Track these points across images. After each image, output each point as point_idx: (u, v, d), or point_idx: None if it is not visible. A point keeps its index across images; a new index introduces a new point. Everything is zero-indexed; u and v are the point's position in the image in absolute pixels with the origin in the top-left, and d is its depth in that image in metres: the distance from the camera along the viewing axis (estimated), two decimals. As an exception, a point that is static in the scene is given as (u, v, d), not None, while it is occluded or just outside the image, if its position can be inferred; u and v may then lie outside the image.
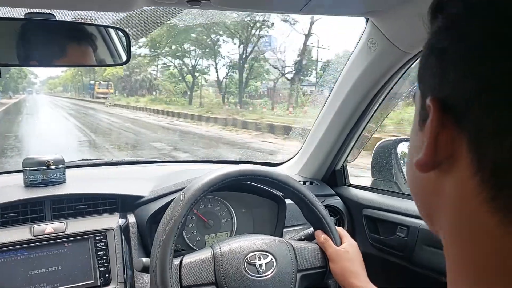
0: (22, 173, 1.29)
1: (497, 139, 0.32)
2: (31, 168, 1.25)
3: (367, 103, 1.33)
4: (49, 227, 1.16)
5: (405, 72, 1.18)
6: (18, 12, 0.88)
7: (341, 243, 1.13)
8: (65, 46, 0.95)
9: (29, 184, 1.26)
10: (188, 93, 22.59)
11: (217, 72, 21.98)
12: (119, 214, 1.28)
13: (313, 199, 1.16)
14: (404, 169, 1.58)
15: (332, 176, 1.65)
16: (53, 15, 0.89)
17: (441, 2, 0.40)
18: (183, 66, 22.86)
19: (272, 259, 1.06)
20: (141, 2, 0.82)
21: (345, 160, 1.63)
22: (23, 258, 1.11)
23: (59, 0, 0.82)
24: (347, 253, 1.10)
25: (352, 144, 1.55)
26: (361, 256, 1.11)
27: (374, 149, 1.61)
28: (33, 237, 1.14)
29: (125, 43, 0.98)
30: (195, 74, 22.45)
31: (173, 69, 23.36)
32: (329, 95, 1.46)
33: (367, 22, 1.11)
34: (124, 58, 1.00)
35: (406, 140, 1.62)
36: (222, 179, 1.09)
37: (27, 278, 1.10)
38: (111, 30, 0.98)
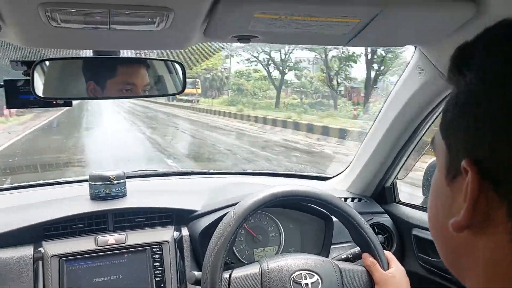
0: (86, 182, 1.41)
1: None
2: (96, 183, 1.37)
3: (417, 125, 1.32)
4: (111, 239, 1.27)
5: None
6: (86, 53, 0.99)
7: (388, 268, 1.14)
8: (128, 78, 1.04)
9: (94, 197, 1.38)
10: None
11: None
12: (173, 227, 1.37)
13: (361, 222, 1.18)
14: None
15: (382, 193, 1.65)
16: (118, 51, 0.98)
17: (470, 51, 0.40)
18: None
19: (318, 279, 1.10)
20: (195, 40, 0.89)
21: (395, 177, 1.62)
22: (89, 266, 1.23)
23: (124, 42, 0.91)
24: (394, 278, 1.10)
25: (403, 161, 1.54)
26: (408, 282, 1.11)
27: (426, 167, 1.59)
28: (97, 247, 1.25)
29: (181, 74, 1.06)
30: (284, 70, 19.65)
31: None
32: (379, 112, 1.46)
33: (415, 48, 1.11)
34: (180, 87, 1.08)
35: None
36: (272, 199, 1.15)
37: (92, 285, 1.21)
38: (169, 63, 1.07)
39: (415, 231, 1.47)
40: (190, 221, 1.39)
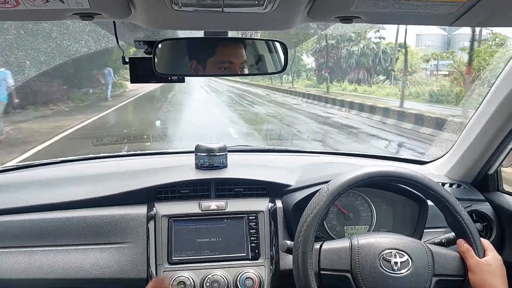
0: (192, 153, 1.55)
1: None
2: (201, 154, 1.51)
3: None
4: (213, 204, 1.40)
5: None
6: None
7: (484, 256, 1.10)
8: (226, 57, 1.13)
9: (199, 167, 1.52)
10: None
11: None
12: (268, 199, 1.46)
13: (458, 207, 1.14)
14: None
15: (484, 180, 1.57)
16: (227, 32, 1.07)
17: None
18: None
19: (408, 259, 1.09)
20: (299, 21, 0.93)
21: (500, 164, 1.53)
22: (193, 227, 1.37)
23: (233, 23, 0.98)
24: (490, 266, 1.06)
25: (509, 147, 1.45)
26: (505, 273, 1.06)
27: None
28: (201, 211, 1.39)
29: (282, 53, 1.12)
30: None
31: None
32: (488, 92, 1.38)
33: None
34: (280, 67, 1.14)
35: None
36: (366, 178, 1.15)
37: (196, 244, 1.36)
38: (270, 42, 1.13)
39: None
40: (284, 195, 1.46)
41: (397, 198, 1.45)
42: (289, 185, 1.47)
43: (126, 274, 1.32)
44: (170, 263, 1.34)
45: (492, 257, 1.09)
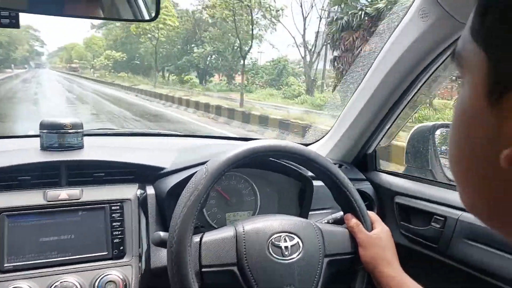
0: (39, 137, 1.23)
1: None
2: (49, 131, 1.19)
3: (411, 81, 1.22)
4: (63, 193, 1.11)
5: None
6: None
7: (372, 229, 1.04)
8: None
9: (45, 148, 1.21)
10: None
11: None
12: (137, 185, 1.21)
13: (345, 181, 1.07)
14: (442, 156, 1.48)
15: (363, 160, 1.56)
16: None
17: None
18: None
19: (298, 241, 0.98)
20: None
21: (377, 144, 1.53)
22: (35, 223, 1.06)
23: None
24: (379, 239, 1.01)
25: (387, 127, 1.45)
26: (393, 244, 1.02)
27: (410, 134, 1.51)
28: (46, 203, 1.08)
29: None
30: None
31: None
32: (367, 72, 1.35)
33: (419, -12, 0.99)
34: (147, 15, 0.91)
35: (445, 125, 1.51)
36: (249, 154, 1.00)
37: (38, 245, 1.05)
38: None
39: (398, 199, 1.39)
40: (156, 179, 1.24)
41: (282, 178, 1.33)
42: (162, 168, 1.24)
43: None
44: (1, 272, 1.01)
45: (381, 229, 1.04)
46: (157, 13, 0.91)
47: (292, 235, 0.99)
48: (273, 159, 1.22)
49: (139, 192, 1.19)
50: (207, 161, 1.01)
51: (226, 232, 0.97)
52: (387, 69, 1.22)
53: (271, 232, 0.98)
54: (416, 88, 1.26)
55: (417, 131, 1.49)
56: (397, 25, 1.13)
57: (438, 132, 1.48)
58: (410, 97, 1.30)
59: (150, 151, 1.40)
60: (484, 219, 0.36)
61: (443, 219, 1.20)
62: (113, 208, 1.13)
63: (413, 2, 1.04)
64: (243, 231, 0.96)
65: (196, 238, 0.93)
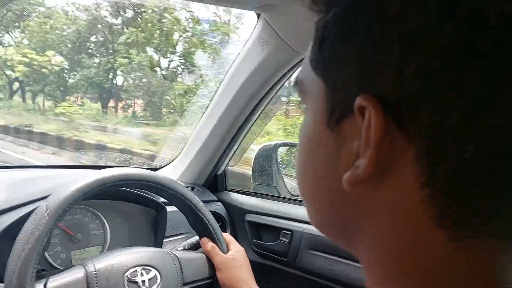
0: None
1: (455, 146, 0.27)
2: None
3: (254, 105, 1.29)
4: None
5: (293, 73, 1.18)
6: None
7: (228, 250, 1.07)
8: None
9: None
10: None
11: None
12: None
13: (199, 205, 1.08)
14: (285, 173, 1.60)
15: (214, 181, 1.59)
16: None
17: None
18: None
19: (156, 273, 0.95)
20: None
21: (226, 165, 1.58)
22: None
23: None
24: (235, 260, 1.04)
25: (235, 148, 1.51)
26: (249, 263, 1.06)
27: (255, 154, 1.59)
28: None
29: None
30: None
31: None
32: (213, 97, 1.39)
33: (258, 18, 1.07)
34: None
35: (287, 144, 1.64)
36: (97, 185, 0.93)
37: None
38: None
39: (249, 217, 1.45)
40: None
41: (131, 207, 1.27)
42: None
43: None
44: None
45: (236, 250, 1.07)
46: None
47: (149, 268, 0.95)
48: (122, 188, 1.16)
49: None
50: (46, 196, 0.90)
51: (74, 274, 0.88)
52: (232, 95, 1.28)
53: (126, 267, 0.92)
54: (259, 111, 1.34)
55: (262, 150, 1.58)
56: (239, 52, 1.20)
57: (280, 150, 1.59)
58: (254, 119, 1.38)
59: None
60: (332, 237, 0.38)
61: (290, 233, 1.29)
62: None
63: (253, 29, 1.10)
64: (95, 270, 0.89)
65: (39, 285, 0.82)
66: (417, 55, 0.27)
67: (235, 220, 1.51)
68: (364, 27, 0.30)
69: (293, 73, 1.16)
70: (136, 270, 0.92)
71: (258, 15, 1.05)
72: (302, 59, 1.10)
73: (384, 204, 0.31)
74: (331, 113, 0.33)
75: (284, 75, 1.15)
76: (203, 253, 1.06)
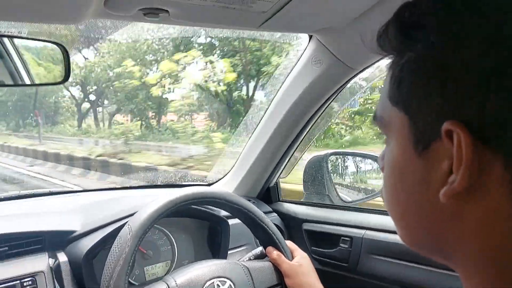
0: None
1: None
2: None
3: (307, 120, 1.35)
4: None
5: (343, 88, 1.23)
6: None
7: (293, 257, 1.12)
8: None
9: None
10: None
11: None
12: (47, 253, 1.12)
13: (262, 216, 1.15)
14: (336, 181, 1.64)
15: (267, 193, 1.65)
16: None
17: (419, 12, 0.38)
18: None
19: (230, 284, 1.02)
20: (91, 14, 0.74)
21: (278, 176, 1.64)
22: None
23: None
24: (301, 266, 1.09)
25: (287, 160, 1.56)
26: (314, 268, 1.11)
27: (306, 164, 1.65)
28: None
29: (64, 59, 0.87)
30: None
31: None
32: (264, 113, 1.45)
33: (310, 39, 1.13)
34: (61, 76, 0.89)
35: (336, 153, 1.69)
36: (171, 206, 1.02)
37: None
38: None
39: (305, 226, 1.50)
40: (68, 244, 1.15)
41: (195, 223, 1.35)
42: (73, 231, 1.16)
43: None
44: None
45: (301, 257, 1.13)
46: (68, 75, 0.88)
47: (224, 279, 1.02)
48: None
49: (51, 261, 1.10)
50: (121, 218, 0.99)
51: None
52: (284, 111, 1.34)
53: (204, 280, 0.99)
54: (310, 125, 1.40)
55: (312, 161, 1.63)
56: (291, 70, 1.26)
57: (330, 159, 1.64)
58: (305, 133, 1.44)
59: (56, 214, 1.30)
60: (426, 253, 0.42)
61: (349, 239, 1.33)
62: (25, 284, 1.03)
63: (305, 49, 1.17)
64: (176, 286, 0.96)
65: None
66: (498, 89, 0.33)
67: (292, 230, 1.56)
68: (443, 67, 0.35)
69: (344, 87, 1.22)
70: (213, 282, 1.00)
71: (310, 36, 1.11)
72: (356, 74, 1.16)
73: (474, 216, 0.35)
74: (418, 140, 0.38)
75: (337, 90, 1.21)
76: (270, 261, 1.12)
